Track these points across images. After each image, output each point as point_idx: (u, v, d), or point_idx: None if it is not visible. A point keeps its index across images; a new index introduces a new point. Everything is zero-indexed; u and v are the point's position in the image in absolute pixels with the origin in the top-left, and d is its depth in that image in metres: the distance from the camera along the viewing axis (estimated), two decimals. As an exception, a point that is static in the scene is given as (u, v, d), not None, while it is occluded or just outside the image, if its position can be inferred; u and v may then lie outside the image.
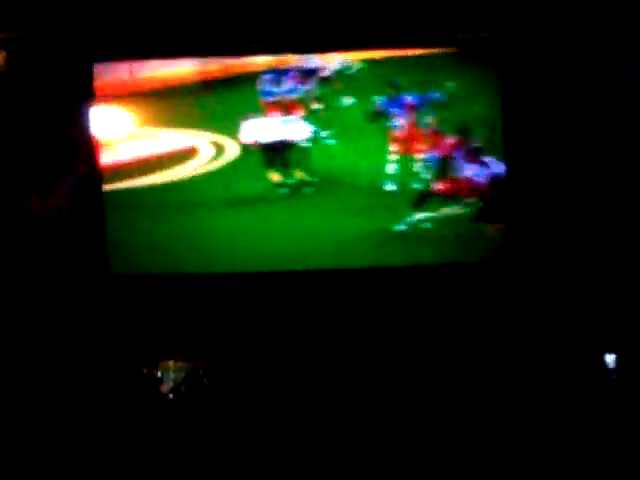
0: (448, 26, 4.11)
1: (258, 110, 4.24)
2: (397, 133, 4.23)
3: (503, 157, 4.18)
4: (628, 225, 4.17)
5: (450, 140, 4.20)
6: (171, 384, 3.91)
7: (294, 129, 4.26)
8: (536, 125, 4.17)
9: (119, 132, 4.24)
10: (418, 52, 4.16)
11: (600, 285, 4.13)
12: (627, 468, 3.31)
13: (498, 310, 4.15)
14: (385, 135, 4.24)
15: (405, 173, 4.23)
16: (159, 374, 3.93)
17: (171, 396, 3.89)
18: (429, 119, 4.22)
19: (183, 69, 4.22)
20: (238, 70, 4.23)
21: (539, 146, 4.18)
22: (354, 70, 4.21)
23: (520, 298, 4.16)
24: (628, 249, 4.16)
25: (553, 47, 4.14)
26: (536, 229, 4.20)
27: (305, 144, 4.27)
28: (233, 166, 4.26)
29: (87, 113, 4.19)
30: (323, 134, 4.24)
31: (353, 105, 4.22)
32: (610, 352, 3.81)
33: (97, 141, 4.22)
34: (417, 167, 4.25)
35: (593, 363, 3.82)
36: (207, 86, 4.22)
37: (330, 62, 4.21)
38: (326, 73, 4.22)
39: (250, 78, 4.23)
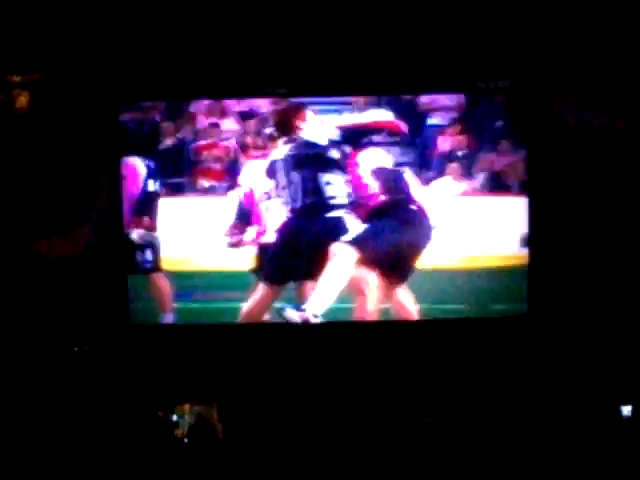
0: (468, 74, 4.11)
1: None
2: None
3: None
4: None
5: None
6: (186, 428, 3.94)
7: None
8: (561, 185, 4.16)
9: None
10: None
11: (617, 340, 4.12)
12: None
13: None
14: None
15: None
16: (174, 418, 3.95)
17: (186, 440, 3.91)
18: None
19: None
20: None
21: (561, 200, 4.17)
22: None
23: (541, 352, 4.15)
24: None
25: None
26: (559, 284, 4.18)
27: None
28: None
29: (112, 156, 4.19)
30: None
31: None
32: (626, 404, 3.87)
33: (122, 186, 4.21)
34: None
35: (610, 414, 3.85)
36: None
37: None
38: None
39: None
